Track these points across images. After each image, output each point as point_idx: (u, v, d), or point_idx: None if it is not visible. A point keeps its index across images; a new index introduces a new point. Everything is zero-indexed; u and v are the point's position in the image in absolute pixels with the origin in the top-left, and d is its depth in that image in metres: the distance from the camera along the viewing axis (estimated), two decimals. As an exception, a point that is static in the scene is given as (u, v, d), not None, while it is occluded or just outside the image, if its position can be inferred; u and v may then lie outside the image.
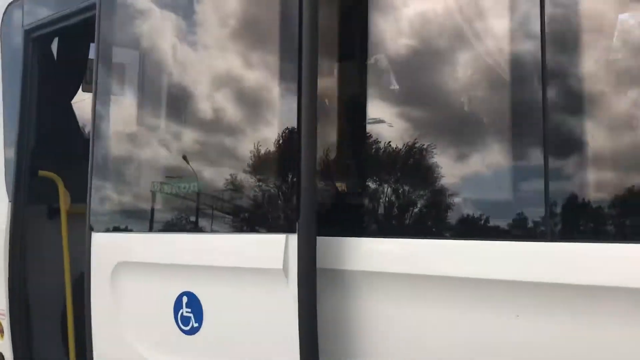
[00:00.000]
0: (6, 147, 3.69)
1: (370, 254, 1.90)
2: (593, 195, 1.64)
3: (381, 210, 1.93)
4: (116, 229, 2.58)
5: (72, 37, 4.09)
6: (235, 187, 2.19)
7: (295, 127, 1.98)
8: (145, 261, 2.42)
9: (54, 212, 3.98)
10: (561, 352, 1.60)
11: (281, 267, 1.99)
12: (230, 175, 2.21)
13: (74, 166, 4.03)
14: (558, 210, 1.63)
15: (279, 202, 2.08)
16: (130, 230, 2.52)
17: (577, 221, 1.64)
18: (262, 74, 2.14)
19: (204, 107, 2.32)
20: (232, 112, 2.24)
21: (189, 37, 2.41)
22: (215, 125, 2.30)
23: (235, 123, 2.22)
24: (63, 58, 4.13)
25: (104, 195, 2.63)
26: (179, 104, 2.43)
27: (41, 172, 3.76)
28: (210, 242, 2.22)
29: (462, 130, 1.87)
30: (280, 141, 2.07)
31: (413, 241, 1.83)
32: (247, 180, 2.17)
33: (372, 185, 1.97)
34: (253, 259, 2.08)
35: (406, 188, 1.93)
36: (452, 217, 1.84)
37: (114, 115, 2.67)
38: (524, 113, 1.70)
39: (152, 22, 2.57)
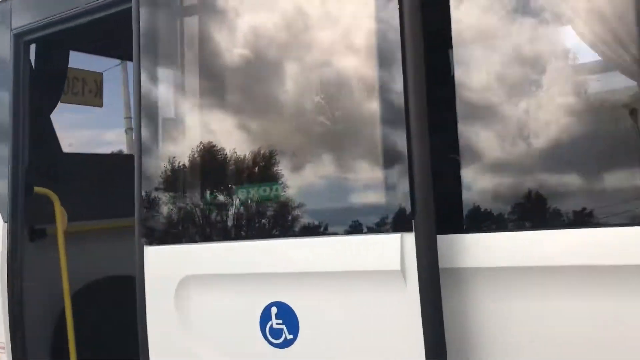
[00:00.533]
0: (-5, 163, 3.36)
1: (493, 248, 1.85)
2: None
3: (503, 203, 1.89)
4: (178, 241, 2.38)
5: (60, 43, 3.82)
6: (335, 184, 2.08)
7: (404, 115, 1.91)
8: (221, 273, 2.25)
9: (41, 231, 3.69)
10: None
11: (399, 268, 1.91)
12: (330, 171, 2.09)
13: (59, 182, 3.75)
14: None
15: (391, 198, 1.99)
16: (199, 241, 2.33)
17: None
18: (364, 67, 2.05)
19: (299, 100, 2.19)
20: (332, 104, 2.13)
21: (267, 31, 2.28)
22: (312, 117, 2.17)
23: (337, 115, 2.11)
24: (47, 66, 3.84)
25: (158, 205, 2.42)
26: (263, 98, 2.28)
27: (37, 189, 3.46)
28: (307, 246, 2.08)
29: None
30: (388, 130, 1.98)
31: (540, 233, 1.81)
32: (351, 176, 2.06)
33: (487, 176, 1.93)
34: (364, 262, 1.97)
35: (523, 176, 1.89)
36: (577, 206, 1.83)
37: (166, 118, 2.48)
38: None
39: (215, 14, 2.42)
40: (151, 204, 2.41)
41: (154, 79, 2.50)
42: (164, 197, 2.42)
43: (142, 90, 2.45)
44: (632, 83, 1.84)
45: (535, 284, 1.80)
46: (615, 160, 1.78)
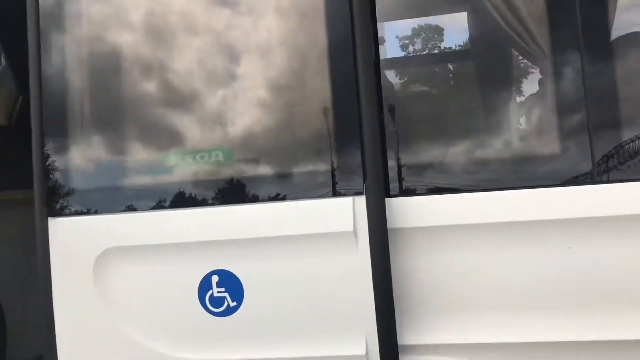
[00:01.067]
0: None
1: (434, 209, 2.05)
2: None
3: (442, 167, 2.10)
4: (95, 211, 2.16)
5: None
6: (289, 150, 2.09)
7: (355, 86, 2.01)
8: (152, 243, 2.11)
9: None
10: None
11: (352, 229, 2.01)
12: (283, 137, 2.09)
13: None
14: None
15: (343, 164, 2.07)
16: (123, 210, 2.15)
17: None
18: (314, 33, 2.09)
19: (241, 63, 2.14)
20: (286, 71, 2.11)
21: None
22: (261, 82, 2.14)
23: (291, 82, 2.11)
24: None
25: (66, 172, 2.18)
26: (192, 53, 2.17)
27: None
28: (256, 212, 2.06)
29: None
30: (340, 100, 2.06)
31: (474, 194, 2.06)
32: (305, 143, 2.09)
33: (427, 145, 2.13)
34: (317, 225, 2.04)
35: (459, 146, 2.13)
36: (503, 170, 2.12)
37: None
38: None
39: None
40: (56, 170, 2.17)
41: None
42: (73, 161, 2.19)
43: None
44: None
45: (469, 239, 2.05)
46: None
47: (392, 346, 2.01)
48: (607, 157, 2.06)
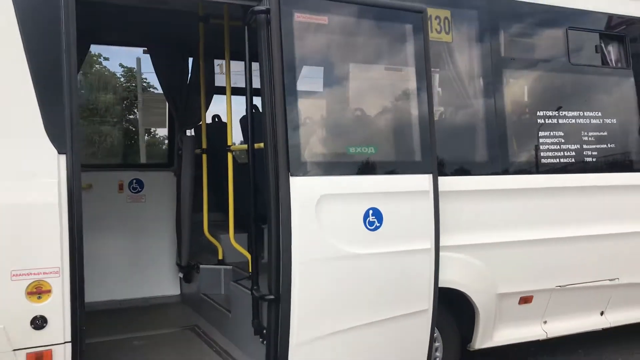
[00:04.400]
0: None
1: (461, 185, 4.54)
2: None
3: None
4: (315, 174, 3.95)
5: None
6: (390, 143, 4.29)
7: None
8: (342, 193, 4.02)
9: None
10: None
11: (428, 189, 4.33)
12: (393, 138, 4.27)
13: None
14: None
15: (421, 155, 4.38)
16: (329, 174, 4.00)
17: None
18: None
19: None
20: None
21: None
22: None
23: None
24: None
25: (298, 146, 3.93)
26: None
27: None
28: (396, 179, 4.21)
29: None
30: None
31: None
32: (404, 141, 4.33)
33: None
34: (412, 186, 4.29)
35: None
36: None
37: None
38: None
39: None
40: (295, 145, 3.91)
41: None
42: (303, 141, 3.95)
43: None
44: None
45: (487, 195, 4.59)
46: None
47: (437, 244, 4.39)
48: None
